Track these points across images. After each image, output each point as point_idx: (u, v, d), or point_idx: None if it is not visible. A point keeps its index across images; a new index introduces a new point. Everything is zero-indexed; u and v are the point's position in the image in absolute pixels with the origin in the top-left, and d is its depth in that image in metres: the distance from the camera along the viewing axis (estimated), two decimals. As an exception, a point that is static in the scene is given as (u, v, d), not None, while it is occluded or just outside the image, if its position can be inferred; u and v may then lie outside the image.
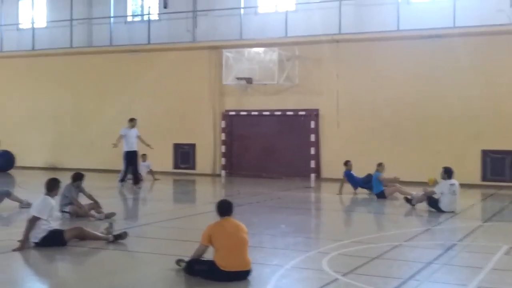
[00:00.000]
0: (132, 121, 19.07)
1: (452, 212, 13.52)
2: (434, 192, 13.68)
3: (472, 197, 16.96)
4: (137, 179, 18.55)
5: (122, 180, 18.76)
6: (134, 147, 18.77)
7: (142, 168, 20.53)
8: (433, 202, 13.77)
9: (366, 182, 17.31)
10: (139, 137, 18.98)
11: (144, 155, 20.84)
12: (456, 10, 20.55)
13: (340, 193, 16.84)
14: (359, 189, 17.50)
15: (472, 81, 20.24)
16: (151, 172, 20.97)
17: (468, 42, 20.30)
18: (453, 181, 13.76)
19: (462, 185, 18.87)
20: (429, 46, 20.75)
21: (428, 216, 13.17)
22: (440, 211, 13.58)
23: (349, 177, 17.60)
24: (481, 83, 20.20)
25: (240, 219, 7.93)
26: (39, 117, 26.27)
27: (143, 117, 24.43)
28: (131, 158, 18.65)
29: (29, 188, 17.96)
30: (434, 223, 12.37)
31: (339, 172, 21.46)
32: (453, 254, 9.18)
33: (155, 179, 20.67)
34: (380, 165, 16.58)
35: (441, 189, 13.57)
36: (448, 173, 13.84)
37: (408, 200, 14.54)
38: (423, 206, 14.02)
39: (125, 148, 18.72)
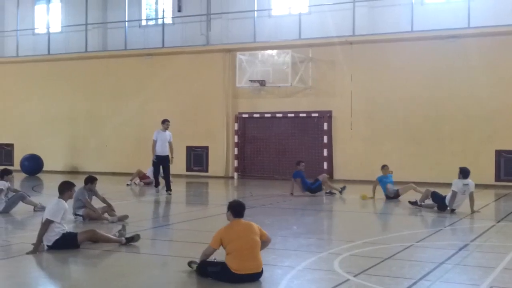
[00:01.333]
0: (164, 123, 17.81)
1: (453, 210, 13.47)
2: (455, 193, 13.45)
3: (486, 197, 16.83)
4: (168, 185, 17.64)
5: (157, 185, 18.13)
6: (166, 151, 17.54)
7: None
8: (437, 197, 13.76)
9: (314, 186, 17.19)
10: (170, 144, 17.72)
11: None
12: (471, 11, 20.48)
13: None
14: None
15: (487, 82, 20.13)
16: None
17: (482, 42, 20.20)
18: (467, 181, 13.63)
19: (476, 186, 18.72)
20: (443, 46, 20.67)
21: (440, 217, 13.10)
22: (443, 208, 13.52)
23: (299, 177, 17.20)
24: (496, 83, 20.09)
25: (252, 221, 7.93)
26: (54, 121, 26.51)
27: (157, 120, 24.56)
28: (162, 163, 17.58)
29: (45, 191, 18.11)
30: (447, 223, 12.31)
31: (353, 174, 21.55)
32: (465, 254, 9.12)
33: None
34: (383, 167, 16.47)
35: (456, 188, 13.44)
36: (463, 173, 13.75)
37: (413, 203, 14.47)
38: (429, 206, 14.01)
39: (157, 151, 17.46)
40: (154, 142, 17.48)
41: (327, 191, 17.04)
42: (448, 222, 12.46)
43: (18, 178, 23.36)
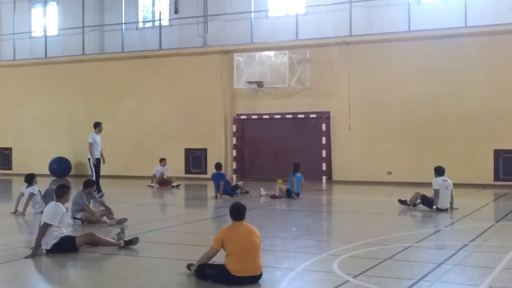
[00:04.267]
0: (100, 125, 17.93)
1: (447, 209, 13.58)
2: (437, 190, 13.64)
3: (485, 197, 16.85)
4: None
5: (100, 191, 17.83)
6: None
7: (161, 172, 20.61)
8: (427, 201, 13.88)
9: (232, 189, 17.16)
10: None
11: (163, 159, 20.90)
12: (467, 10, 20.49)
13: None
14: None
15: (484, 81, 20.15)
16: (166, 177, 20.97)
17: (479, 41, 20.22)
18: (444, 177, 13.85)
19: (475, 185, 18.83)
20: (440, 46, 20.68)
21: (439, 217, 13.10)
22: (435, 209, 13.60)
23: (220, 179, 16.92)
24: (493, 82, 20.11)
25: (251, 223, 7.94)
26: (52, 124, 26.47)
27: (155, 122, 24.64)
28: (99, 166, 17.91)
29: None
30: (445, 223, 12.31)
31: (352, 175, 21.54)
32: (465, 254, 9.11)
33: (173, 185, 20.53)
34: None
35: (437, 186, 13.65)
36: (438, 171, 13.98)
37: (403, 202, 14.49)
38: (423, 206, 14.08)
39: (96, 155, 17.71)
40: (91, 145, 17.43)
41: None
42: (447, 222, 12.46)
43: (46, 181, 23.38)
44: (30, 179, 14.03)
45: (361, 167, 21.53)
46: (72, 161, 25.69)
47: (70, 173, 25.29)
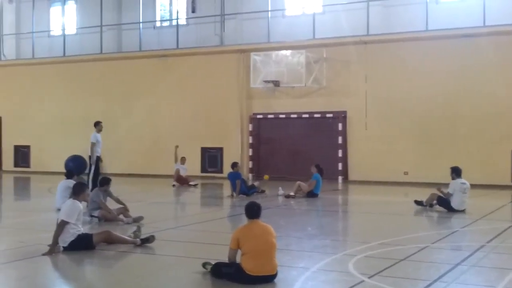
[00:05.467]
0: (100, 124, 17.94)
1: (463, 211, 13.55)
2: (450, 194, 13.69)
3: (502, 198, 16.71)
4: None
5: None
6: None
7: (181, 170, 20.73)
8: (444, 202, 13.82)
9: (249, 189, 17.15)
10: None
11: (183, 158, 21.00)
12: (486, 9, 20.33)
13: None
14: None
15: (502, 80, 19.99)
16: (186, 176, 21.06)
17: (498, 41, 20.06)
18: (463, 180, 13.83)
19: (492, 186, 18.68)
20: (458, 45, 20.55)
21: (456, 218, 13.03)
22: (451, 210, 13.64)
23: (237, 179, 16.96)
24: (511, 82, 19.93)
25: (267, 222, 7.94)
26: (70, 122, 26.65)
27: (172, 121, 24.72)
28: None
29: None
30: (462, 224, 12.23)
31: (368, 175, 21.48)
32: (481, 256, 9.05)
33: (190, 184, 20.60)
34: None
35: (453, 189, 13.65)
36: (456, 172, 13.96)
37: (419, 203, 14.42)
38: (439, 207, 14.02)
39: (98, 152, 17.64)
40: (94, 145, 17.42)
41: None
42: (463, 223, 12.39)
43: (39, 180, 23.61)
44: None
45: (377, 167, 21.45)
46: (86, 159, 25.79)
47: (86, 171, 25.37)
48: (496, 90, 20.06)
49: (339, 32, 22.34)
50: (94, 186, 16.49)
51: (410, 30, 21.47)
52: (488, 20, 20.28)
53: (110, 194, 12.64)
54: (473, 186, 14.68)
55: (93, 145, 17.37)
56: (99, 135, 17.62)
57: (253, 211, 7.71)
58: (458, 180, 13.80)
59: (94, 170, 17.40)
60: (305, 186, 16.75)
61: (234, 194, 16.86)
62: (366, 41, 21.82)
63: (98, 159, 17.67)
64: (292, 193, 16.64)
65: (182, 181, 20.54)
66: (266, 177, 18.05)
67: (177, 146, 20.88)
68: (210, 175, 23.75)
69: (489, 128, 20.20)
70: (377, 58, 21.76)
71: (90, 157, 17.68)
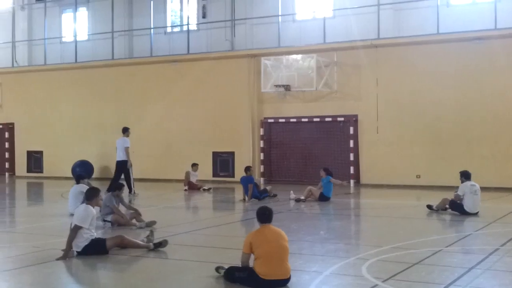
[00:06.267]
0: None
1: (476, 214, 13.53)
2: (459, 197, 13.70)
3: (517, 202, 16.61)
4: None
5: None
6: None
7: (192, 176, 20.79)
8: (456, 206, 13.79)
9: (261, 193, 17.16)
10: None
11: (195, 164, 21.05)
12: (497, 12, 20.24)
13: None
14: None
15: (515, 83, 19.87)
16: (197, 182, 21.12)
17: (509, 44, 19.99)
18: (472, 182, 13.84)
19: (506, 189, 18.59)
20: (470, 48, 20.46)
21: (469, 221, 12.97)
22: (464, 213, 13.60)
23: (249, 183, 16.97)
24: (524, 85, 19.84)
25: (279, 226, 7.95)
26: (82, 128, 26.78)
27: (183, 126, 24.78)
28: None
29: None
30: (476, 228, 12.18)
31: (380, 178, 21.42)
32: (495, 259, 9.00)
33: (204, 189, 20.62)
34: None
35: (463, 191, 13.65)
36: (465, 176, 13.99)
37: (431, 207, 14.38)
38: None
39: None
40: (128, 148, 18.94)
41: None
42: (477, 226, 12.32)
43: (52, 185, 23.74)
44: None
45: (389, 170, 21.39)
46: (100, 164, 25.99)
47: (96, 176, 25.48)
48: (508, 93, 19.97)
49: (349, 36, 22.33)
50: (130, 189, 18.53)
51: (421, 33, 21.41)
52: (500, 23, 20.20)
53: (121, 200, 12.69)
54: (486, 189, 14.64)
55: (127, 149, 18.80)
56: (128, 140, 18.82)
57: (265, 216, 7.74)
58: (468, 183, 13.82)
59: (120, 174, 18.74)
60: (316, 190, 16.75)
61: (246, 198, 16.88)
62: (377, 44, 21.79)
63: (127, 163, 18.31)
64: (302, 197, 16.64)
65: (193, 187, 20.57)
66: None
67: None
68: (221, 180, 23.76)
69: (501, 131, 20.08)
70: (388, 61, 21.72)
71: (121, 161, 18.96)
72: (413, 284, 7.57)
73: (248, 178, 17.04)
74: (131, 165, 19.17)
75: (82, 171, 24.55)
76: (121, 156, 19.20)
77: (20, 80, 28.46)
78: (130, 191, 18.72)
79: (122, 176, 19.14)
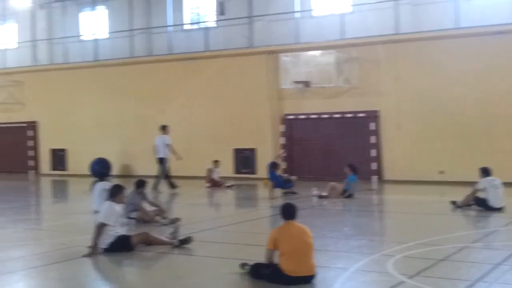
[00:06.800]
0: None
1: (501, 208, 13.40)
2: (477, 189, 13.66)
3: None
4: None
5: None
6: None
7: (214, 173, 20.85)
8: (481, 202, 13.69)
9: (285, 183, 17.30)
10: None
11: (216, 161, 21.10)
12: (518, 5, 20.03)
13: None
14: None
15: (538, 77, 19.66)
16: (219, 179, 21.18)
17: (531, 37, 19.74)
18: (493, 177, 13.81)
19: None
20: (490, 43, 20.25)
21: (495, 217, 12.86)
22: (489, 209, 13.49)
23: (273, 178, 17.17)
24: (547, 78, 19.62)
25: (303, 223, 7.94)
26: (104, 126, 26.94)
27: (203, 123, 24.83)
28: None
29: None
30: (501, 223, 12.08)
31: (402, 174, 21.29)
32: (523, 255, 8.94)
33: (227, 186, 20.63)
34: None
35: (483, 185, 13.63)
36: (485, 172, 13.97)
37: (455, 203, 14.28)
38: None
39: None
40: (170, 145, 19.77)
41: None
42: (502, 222, 12.23)
43: (76, 182, 23.95)
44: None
45: (412, 166, 21.24)
46: (121, 162, 26.16)
47: (117, 174, 25.61)
48: (531, 87, 19.75)
49: (368, 31, 22.18)
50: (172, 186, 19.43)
51: (440, 28, 21.24)
52: (521, 16, 19.99)
53: (145, 197, 12.75)
54: (510, 184, 14.49)
55: (170, 146, 19.66)
56: (168, 137, 19.60)
57: (289, 212, 7.74)
58: (488, 178, 13.75)
59: (164, 170, 19.33)
60: (339, 186, 16.71)
61: (270, 183, 16.99)
62: (395, 40, 21.64)
63: (165, 160, 18.62)
64: (325, 193, 16.61)
65: (215, 184, 20.63)
66: (265, 182, 17.86)
67: None
68: (243, 176, 23.77)
69: (524, 126, 19.87)
70: (408, 57, 21.57)
71: (162, 158, 19.52)
72: (440, 281, 7.53)
73: (272, 172, 17.12)
74: (179, 158, 19.99)
75: (100, 168, 24.77)
76: (161, 153, 19.59)
77: (41, 78, 28.70)
78: (154, 187, 18.93)
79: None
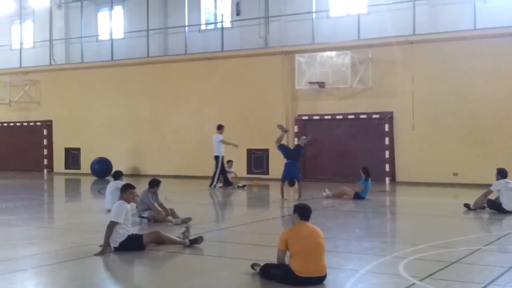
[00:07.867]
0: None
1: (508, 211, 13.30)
2: (490, 191, 13.59)
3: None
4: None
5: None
6: None
7: (228, 174, 20.90)
8: (494, 204, 13.61)
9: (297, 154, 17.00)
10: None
11: (229, 161, 21.16)
12: (536, 6, 19.84)
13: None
14: None
15: (554, 79, 19.45)
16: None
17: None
18: (508, 179, 13.73)
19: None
20: (507, 44, 20.10)
21: (508, 220, 12.75)
22: (502, 212, 13.39)
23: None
24: None
25: (314, 224, 7.91)
26: (118, 125, 27.08)
27: (217, 123, 24.81)
28: None
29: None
30: (516, 227, 11.98)
31: (416, 176, 21.18)
32: (536, 259, 8.85)
33: (239, 186, 20.63)
34: None
35: (497, 187, 13.54)
36: (501, 174, 13.84)
37: (468, 206, 14.16)
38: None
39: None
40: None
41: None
42: (516, 225, 12.11)
43: (89, 181, 24.09)
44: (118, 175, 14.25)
45: (425, 168, 21.13)
46: (134, 161, 26.31)
47: (129, 173, 25.66)
48: (548, 89, 19.56)
49: (384, 32, 22.10)
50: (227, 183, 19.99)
51: (457, 29, 21.09)
52: (539, 18, 19.80)
53: (156, 197, 12.74)
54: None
55: (222, 141, 20.06)
56: (221, 136, 20.16)
57: (305, 213, 7.71)
58: (503, 180, 13.64)
59: (220, 168, 19.84)
60: (350, 190, 16.63)
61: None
62: (412, 41, 21.53)
63: (220, 158, 19.78)
64: (329, 193, 16.69)
65: (227, 183, 20.62)
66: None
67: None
68: (256, 177, 23.73)
69: (541, 128, 19.68)
70: (424, 58, 21.45)
71: (218, 156, 20.00)
72: (452, 283, 7.47)
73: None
74: (236, 145, 20.32)
75: (100, 168, 24.91)
76: (216, 151, 20.04)
77: (57, 78, 28.93)
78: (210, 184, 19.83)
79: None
